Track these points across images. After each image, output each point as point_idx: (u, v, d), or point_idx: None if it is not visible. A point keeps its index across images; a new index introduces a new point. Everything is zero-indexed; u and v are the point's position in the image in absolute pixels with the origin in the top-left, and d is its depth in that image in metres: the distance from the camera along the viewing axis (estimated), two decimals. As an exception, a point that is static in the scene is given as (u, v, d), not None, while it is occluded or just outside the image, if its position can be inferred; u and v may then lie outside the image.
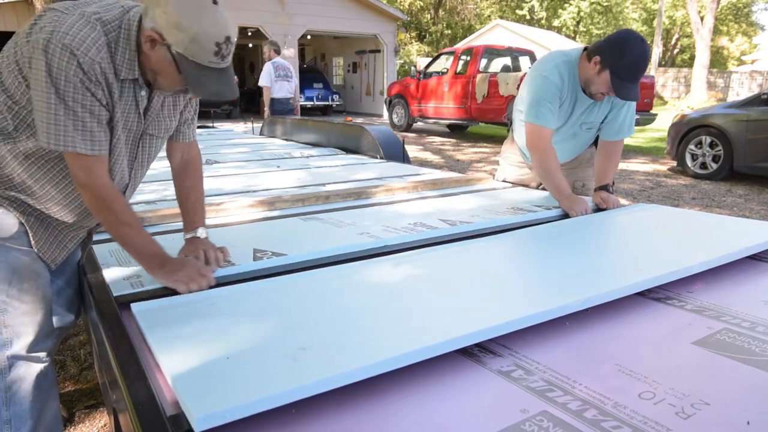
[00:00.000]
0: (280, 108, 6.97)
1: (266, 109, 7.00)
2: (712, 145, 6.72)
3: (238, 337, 1.03)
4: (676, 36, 31.92)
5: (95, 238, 1.64)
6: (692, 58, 25.08)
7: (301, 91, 16.61)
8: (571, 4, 31.28)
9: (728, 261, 1.48)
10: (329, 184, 2.71)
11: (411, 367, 0.95)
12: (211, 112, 11.07)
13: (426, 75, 12.07)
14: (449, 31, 31.69)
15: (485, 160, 8.36)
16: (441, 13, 31.70)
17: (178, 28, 1.15)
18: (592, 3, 30.83)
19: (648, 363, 0.99)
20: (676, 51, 33.52)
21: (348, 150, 4.10)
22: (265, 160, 3.70)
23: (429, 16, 31.74)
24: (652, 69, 18.93)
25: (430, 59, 13.39)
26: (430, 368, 0.98)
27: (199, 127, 5.65)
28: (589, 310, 1.20)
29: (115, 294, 1.26)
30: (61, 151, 1.22)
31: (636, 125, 4.55)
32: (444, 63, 12.01)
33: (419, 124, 13.12)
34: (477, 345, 1.05)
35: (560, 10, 31.89)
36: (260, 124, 6.22)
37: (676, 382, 0.92)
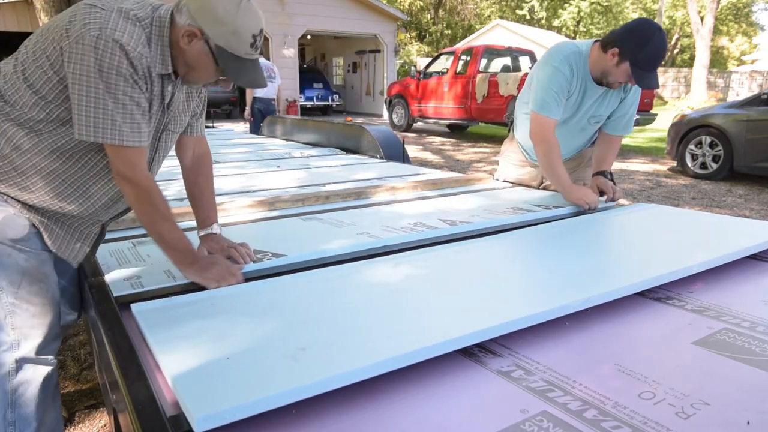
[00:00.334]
0: (263, 108, 6.99)
1: (247, 108, 7.05)
2: (712, 145, 6.72)
3: (238, 338, 1.03)
4: (676, 36, 31.91)
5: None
6: (692, 58, 25.09)
7: (301, 91, 16.63)
8: (571, 4, 31.29)
9: (728, 261, 1.48)
10: (329, 184, 2.71)
11: (411, 367, 0.95)
12: (211, 112, 11.07)
13: (426, 75, 12.07)
14: (449, 31, 31.71)
15: (485, 160, 8.36)
16: (441, 13, 31.72)
17: (220, 23, 1.21)
18: (592, 3, 30.85)
19: (648, 363, 0.99)
20: (676, 51, 33.50)
21: (348, 150, 4.09)
22: (265, 160, 3.69)
23: (429, 16, 31.76)
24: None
25: (430, 59, 13.40)
26: (430, 368, 0.98)
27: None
28: (589, 310, 1.20)
29: (115, 294, 1.26)
30: (108, 144, 1.22)
31: (636, 125, 4.56)
32: (444, 63, 12.02)
33: (419, 124, 13.12)
34: (477, 345, 1.05)
35: (560, 10, 31.91)
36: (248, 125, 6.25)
37: (676, 382, 0.92)
